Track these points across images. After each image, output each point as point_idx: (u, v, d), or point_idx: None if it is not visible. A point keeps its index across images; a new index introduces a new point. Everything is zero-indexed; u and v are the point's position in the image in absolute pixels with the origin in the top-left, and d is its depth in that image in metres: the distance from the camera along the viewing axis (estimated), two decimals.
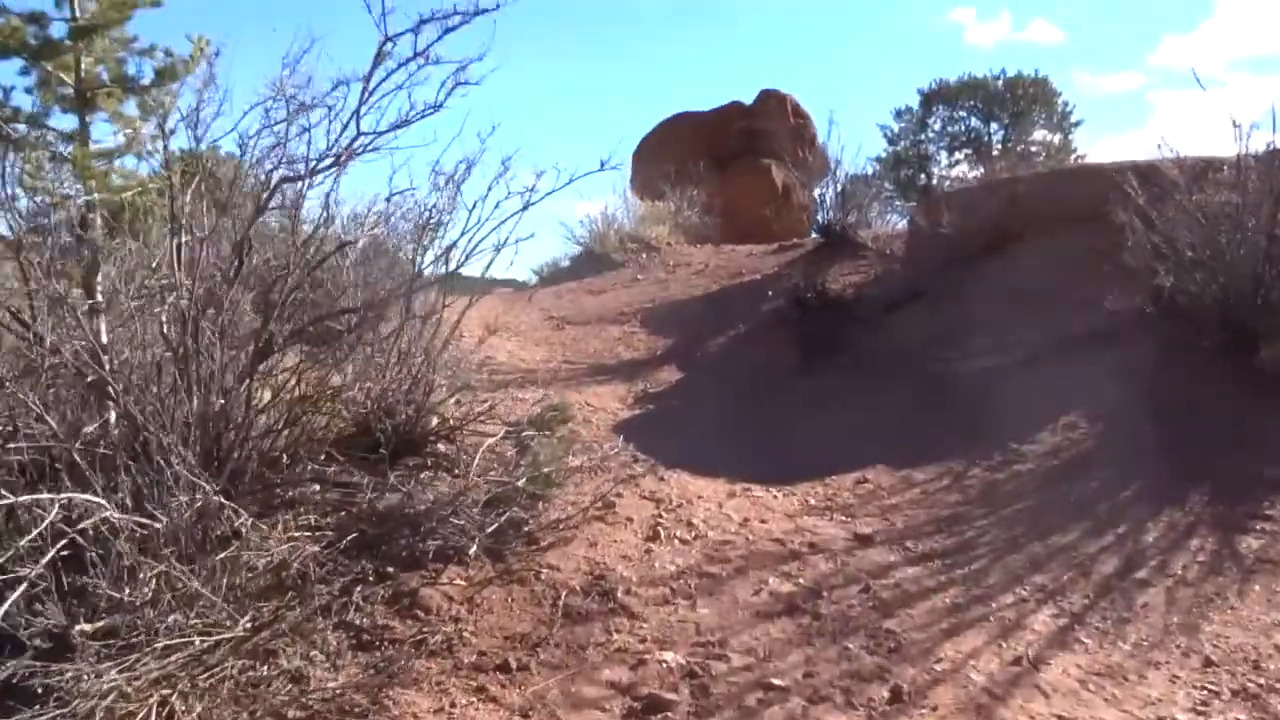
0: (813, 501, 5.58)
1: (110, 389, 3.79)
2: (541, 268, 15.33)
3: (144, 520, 3.27)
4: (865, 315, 8.72)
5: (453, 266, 5.63)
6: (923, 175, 24.82)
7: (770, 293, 9.30)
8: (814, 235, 11.65)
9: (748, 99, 21.30)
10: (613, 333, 10.32)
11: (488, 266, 5.77)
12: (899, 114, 24.65)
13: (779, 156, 19.41)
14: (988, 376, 7.36)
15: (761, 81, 28.42)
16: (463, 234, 5.52)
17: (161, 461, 3.39)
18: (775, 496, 5.60)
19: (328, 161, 4.16)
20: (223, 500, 3.52)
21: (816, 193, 14.14)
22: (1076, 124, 23.45)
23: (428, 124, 5.34)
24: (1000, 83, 22.87)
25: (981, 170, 23.93)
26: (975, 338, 7.89)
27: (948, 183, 21.44)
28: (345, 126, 4.26)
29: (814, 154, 19.64)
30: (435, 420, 5.91)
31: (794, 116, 21.29)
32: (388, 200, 5.66)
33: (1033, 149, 23.48)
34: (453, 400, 6.20)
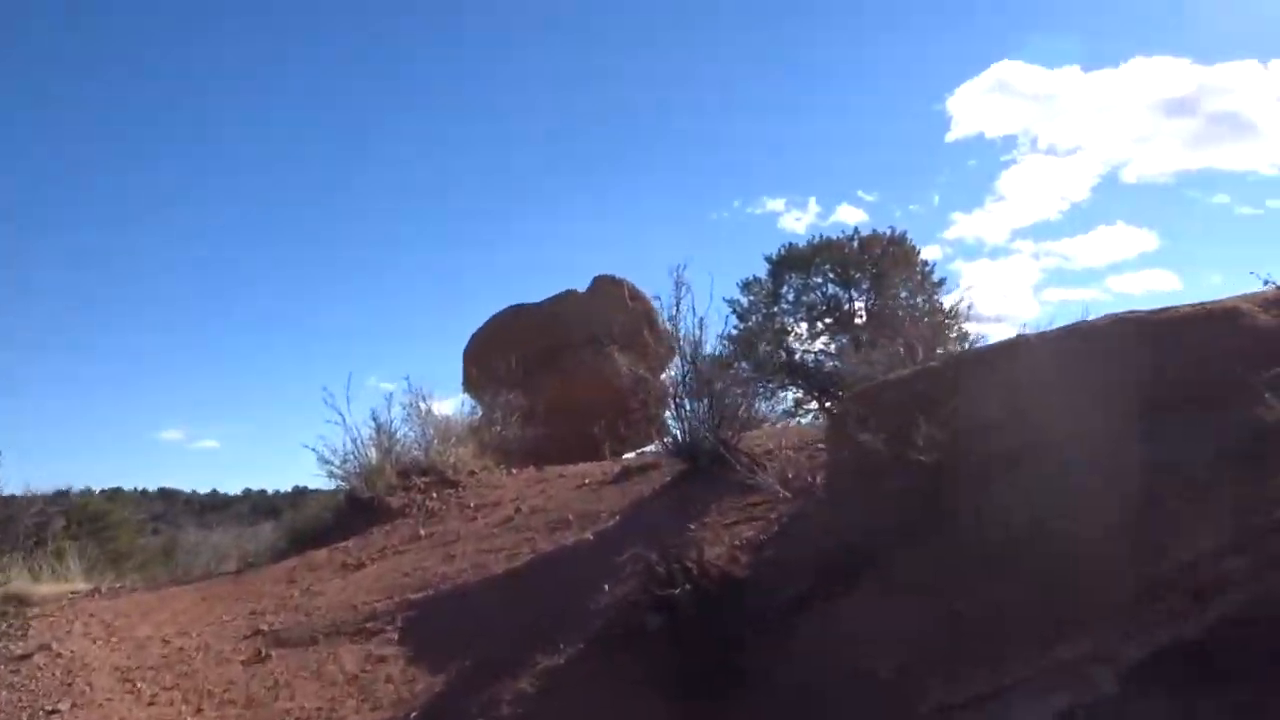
0: None
1: None
2: (291, 529, 10.76)
3: None
4: (775, 611, 4.74)
5: None
6: (782, 351, 21.86)
7: (607, 586, 5.22)
8: (664, 452, 7.74)
9: (581, 286, 19.23)
10: (346, 662, 5.91)
11: None
12: (746, 285, 21.83)
13: (620, 343, 17.20)
14: None
15: (584, 273, 26.45)
16: None
17: None
18: None
19: None
20: None
21: (666, 384, 10.55)
22: (940, 282, 21.16)
23: None
24: (855, 242, 20.44)
25: (846, 339, 21.19)
26: (992, 649, 4.08)
27: (849, 364, 18.45)
28: None
29: (658, 337, 17.47)
30: None
31: (632, 299, 19.39)
32: None
33: (899, 312, 20.93)
34: None
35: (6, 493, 11.75)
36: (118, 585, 9.48)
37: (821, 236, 21.23)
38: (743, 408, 7.17)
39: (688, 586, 4.78)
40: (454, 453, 11.01)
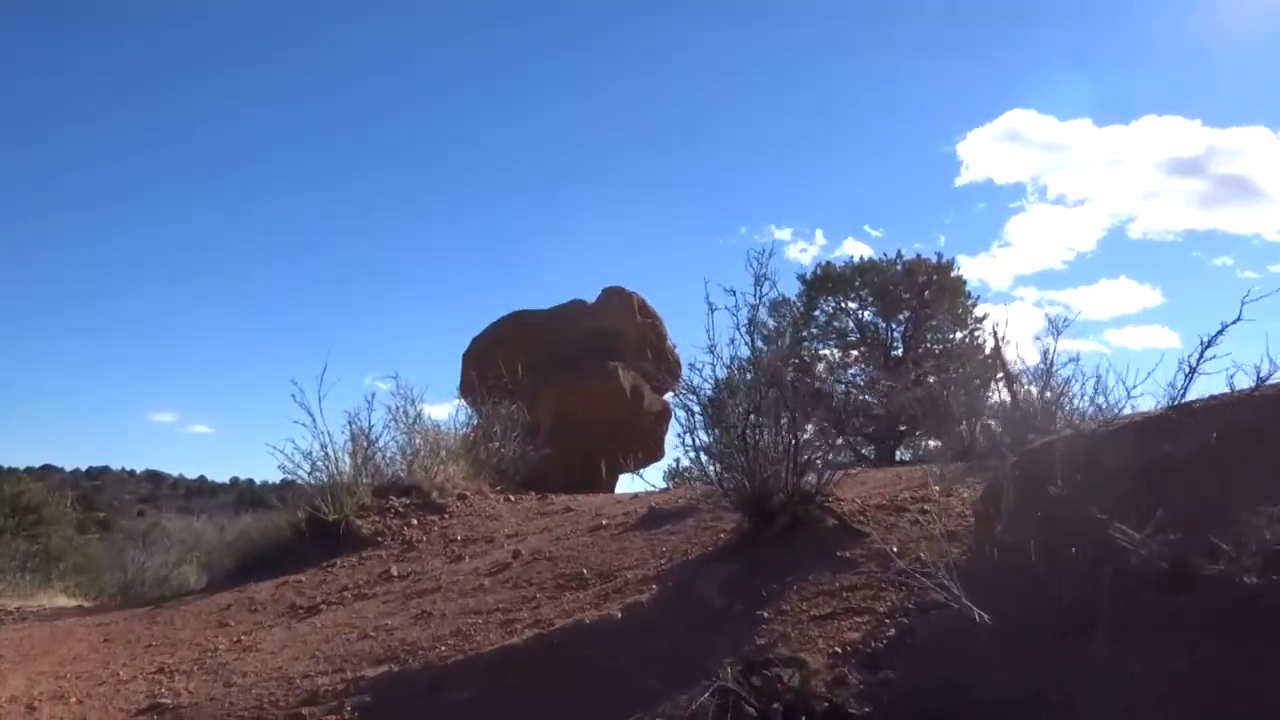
0: None
1: None
2: (235, 550, 8.97)
3: None
4: None
5: None
6: (809, 379, 20.02)
7: (660, 712, 3.46)
8: (718, 497, 5.97)
9: (589, 297, 17.97)
10: None
11: None
12: (774, 306, 20.10)
13: (626, 358, 16.04)
14: None
15: (588, 285, 25.30)
16: None
17: None
18: None
19: None
20: None
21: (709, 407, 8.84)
22: (981, 319, 19.41)
23: None
24: (899, 266, 18.72)
25: (876, 368, 19.46)
26: None
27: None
28: None
29: (665, 355, 16.23)
30: None
31: (641, 314, 18.08)
32: None
33: (935, 349, 19.28)
34: None
35: None
36: (10, 609, 7.70)
37: (863, 258, 19.60)
38: (830, 446, 5.41)
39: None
40: (442, 470, 9.25)
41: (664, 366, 17.17)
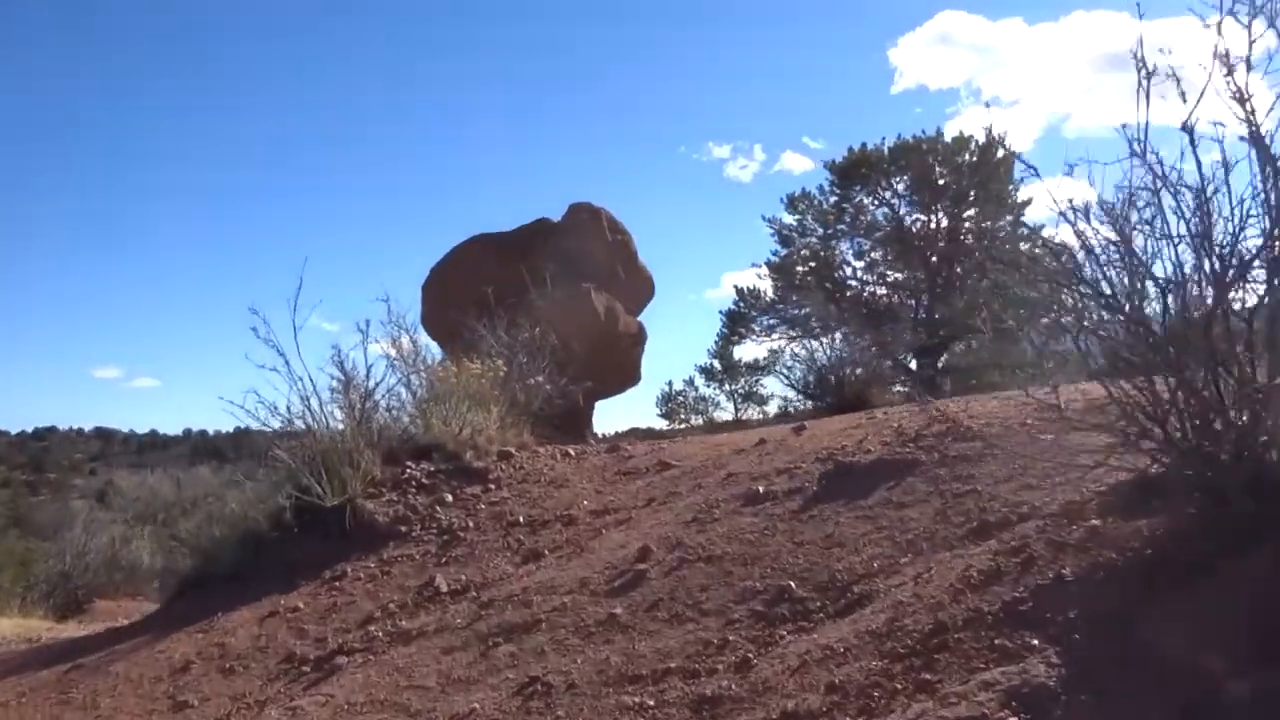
0: None
1: None
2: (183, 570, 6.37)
3: None
4: None
5: None
6: (828, 284, 17.67)
7: None
8: (922, 433, 3.55)
9: (554, 215, 15.64)
10: None
11: None
12: (793, 201, 17.53)
13: (597, 279, 14.22)
14: None
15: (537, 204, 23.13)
16: None
17: None
18: None
19: None
20: None
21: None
22: (1025, 204, 17.04)
23: None
24: (939, 146, 16.13)
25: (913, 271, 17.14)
26: None
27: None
28: None
29: (637, 273, 15.60)
30: None
31: (611, 231, 15.79)
32: None
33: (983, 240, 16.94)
34: None
35: None
36: None
37: (899, 137, 16.99)
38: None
39: None
40: (468, 420, 6.71)
41: (636, 286, 15.29)
